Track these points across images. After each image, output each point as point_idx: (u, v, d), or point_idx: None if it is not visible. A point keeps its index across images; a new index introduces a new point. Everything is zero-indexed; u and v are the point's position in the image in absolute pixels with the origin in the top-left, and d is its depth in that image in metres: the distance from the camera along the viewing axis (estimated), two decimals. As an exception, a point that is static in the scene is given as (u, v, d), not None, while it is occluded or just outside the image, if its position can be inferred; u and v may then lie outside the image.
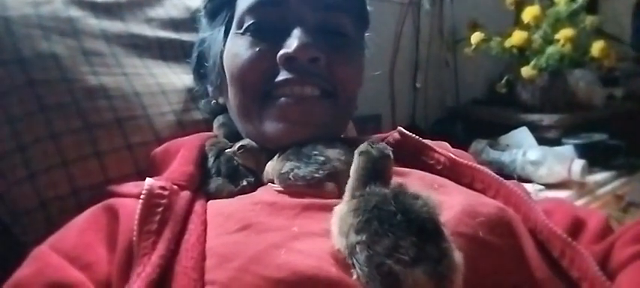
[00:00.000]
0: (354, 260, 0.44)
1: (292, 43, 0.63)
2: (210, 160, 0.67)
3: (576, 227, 0.62)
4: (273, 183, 0.61)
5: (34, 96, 0.70)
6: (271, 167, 0.62)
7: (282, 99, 0.64)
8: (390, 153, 0.50)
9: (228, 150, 0.67)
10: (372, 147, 0.50)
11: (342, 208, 0.48)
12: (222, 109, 0.77)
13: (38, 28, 0.74)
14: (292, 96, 0.64)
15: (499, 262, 0.50)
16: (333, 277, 0.44)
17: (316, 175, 0.56)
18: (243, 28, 0.67)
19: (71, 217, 0.60)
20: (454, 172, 0.64)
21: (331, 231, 0.48)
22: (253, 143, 0.67)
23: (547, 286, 0.52)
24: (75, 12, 0.80)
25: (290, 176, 0.58)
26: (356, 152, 0.51)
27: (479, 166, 0.65)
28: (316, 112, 0.65)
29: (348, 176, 0.51)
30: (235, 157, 0.66)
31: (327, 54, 0.65)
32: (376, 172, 0.49)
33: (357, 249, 0.44)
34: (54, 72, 0.73)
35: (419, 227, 0.44)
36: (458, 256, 0.44)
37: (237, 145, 0.67)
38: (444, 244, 0.44)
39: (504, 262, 0.51)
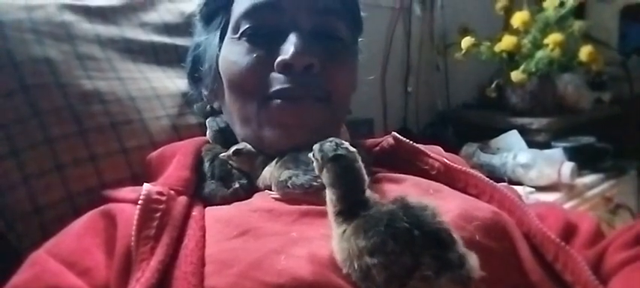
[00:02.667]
0: (370, 283, 0.43)
1: (288, 49, 0.63)
2: (206, 164, 0.67)
3: (568, 232, 0.63)
4: (270, 190, 0.61)
5: (28, 100, 0.70)
6: (269, 173, 0.62)
7: (279, 103, 0.64)
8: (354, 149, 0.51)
9: (222, 155, 0.67)
10: (340, 148, 0.49)
11: (345, 230, 0.46)
12: (217, 114, 0.77)
13: (31, 33, 0.74)
14: (288, 100, 0.64)
15: (495, 264, 0.51)
16: (333, 283, 0.45)
17: (314, 183, 0.57)
18: (239, 33, 0.67)
19: (66, 222, 0.60)
20: (448, 178, 0.65)
21: (335, 257, 0.47)
22: (250, 147, 0.67)
23: (541, 289, 0.53)
24: (68, 16, 0.79)
25: (288, 184, 0.58)
26: (320, 155, 0.50)
27: (473, 171, 0.66)
28: (311, 115, 0.65)
29: None
30: (230, 161, 0.66)
31: (322, 58, 0.65)
32: (356, 175, 0.49)
33: (374, 272, 0.43)
34: (48, 76, 0.72)
35: (436, 239, 0.44)
36: (474, 259, 0.45)
37: (233, 149, 0.67)
38: (460, 249, 0.44)
39: (500, 265, 0.52)
